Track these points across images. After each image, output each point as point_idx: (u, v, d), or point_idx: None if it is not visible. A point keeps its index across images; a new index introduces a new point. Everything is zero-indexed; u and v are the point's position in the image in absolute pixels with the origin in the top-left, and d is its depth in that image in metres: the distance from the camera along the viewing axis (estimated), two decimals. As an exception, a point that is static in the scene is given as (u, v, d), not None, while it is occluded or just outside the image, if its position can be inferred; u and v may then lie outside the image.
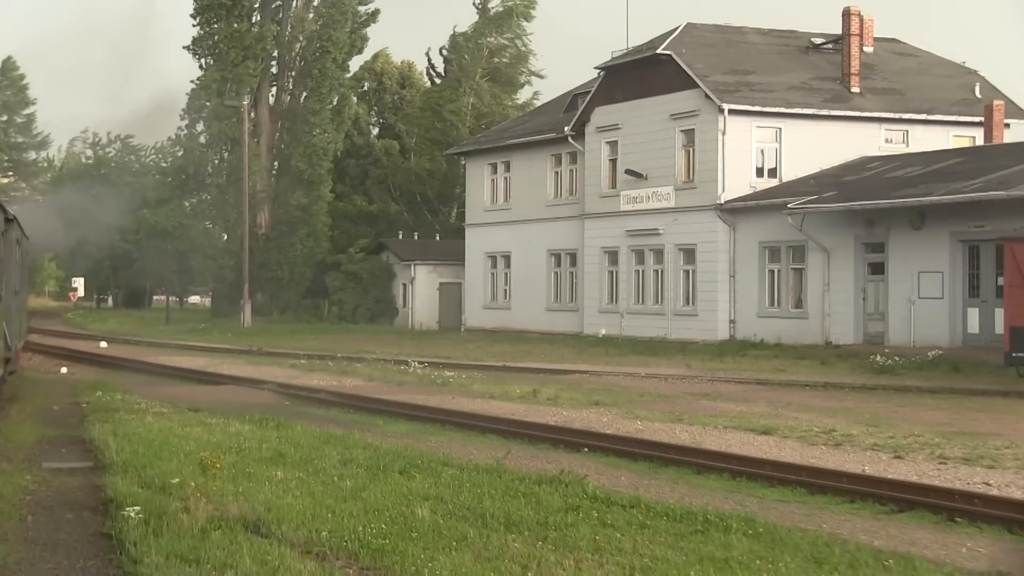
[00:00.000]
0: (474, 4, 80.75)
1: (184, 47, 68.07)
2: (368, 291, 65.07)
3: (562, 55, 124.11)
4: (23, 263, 30.58)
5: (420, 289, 63.59)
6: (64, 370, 35.87)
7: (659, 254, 47.67)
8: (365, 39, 72.37)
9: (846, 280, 40.51)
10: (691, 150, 46.18)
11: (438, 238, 69.07)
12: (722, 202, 44.56)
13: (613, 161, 50.18)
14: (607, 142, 50.34)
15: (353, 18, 69.78)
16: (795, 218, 40.73)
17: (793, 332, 41.65)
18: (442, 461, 16.25)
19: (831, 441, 19.70)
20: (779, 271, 43.26)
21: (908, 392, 29.05)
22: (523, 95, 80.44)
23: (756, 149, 45.40)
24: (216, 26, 66.56)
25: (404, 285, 64.53)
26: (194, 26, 67.30)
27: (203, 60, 67.50)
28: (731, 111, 44.36)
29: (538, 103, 74.85)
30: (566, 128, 52.19)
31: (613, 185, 50.14)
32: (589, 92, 52.94)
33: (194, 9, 67.25)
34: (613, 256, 50.21)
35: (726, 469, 16.40)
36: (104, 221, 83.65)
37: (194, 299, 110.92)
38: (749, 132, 45.09)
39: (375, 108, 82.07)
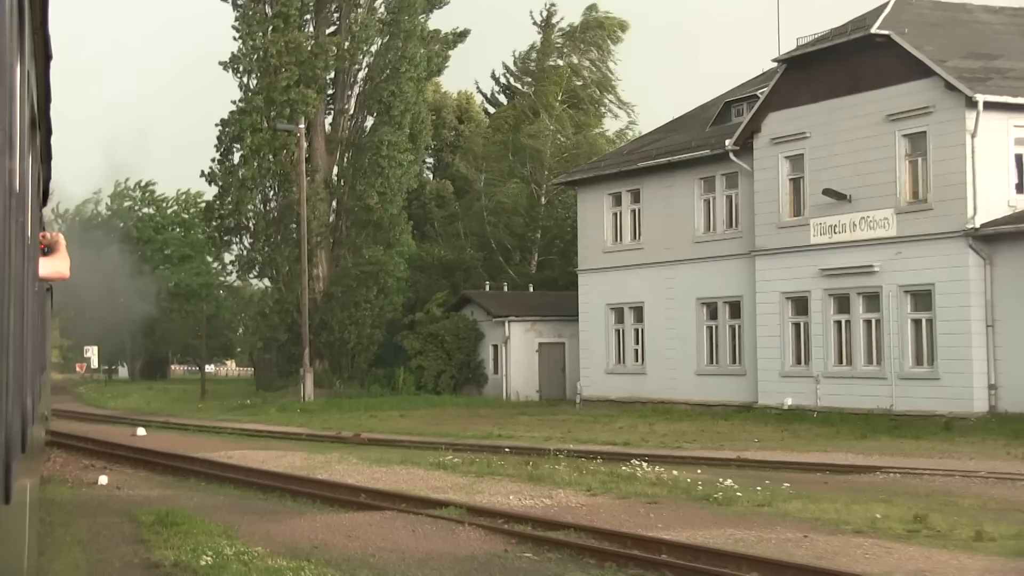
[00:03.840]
0: (535, 23, 70.09)
1: (220, 63, 55.96)
2: (452, 355, 53.16)
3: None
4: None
5: (516, 351, 51.97)
6: (103, 480, 24.23)
7: (873, 299, 36.21)
8: (446, 59, 60.56)
9: None
10: (921, 160, 34.88)
11: (531, 289, 57.36)
12: (976, 227, 33.16)
13: (796, 181, 38.84)
14: (787, 156, 39.00)
15: (426, 33, 58.00)
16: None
17: (1100, 401, 30.14)
18: None
19: None
20: (1071, 317, 31.76)
21: None
22: (610, 127, 69.62)
23: (1013, 156, 34.16)
24: (264, 38, 54.08)
25: (495, 347, 52.84)
26: (235, 39, 55.04)
27: (243, 79, 55.06)
28: (986, 105, 33.07)
29: (631, 135, 63.84)
30: (727, 142, 40.66)
31: (797, 212, 38.77)
32: (753, 97, 41.70)
33: (236, 19, 54.84)
34: (800, 303, 38.69)
35: None
36: (124, 283, 72.86)
37: (208, 368, 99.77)
38: (1005, 133, 33.83)
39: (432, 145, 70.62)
